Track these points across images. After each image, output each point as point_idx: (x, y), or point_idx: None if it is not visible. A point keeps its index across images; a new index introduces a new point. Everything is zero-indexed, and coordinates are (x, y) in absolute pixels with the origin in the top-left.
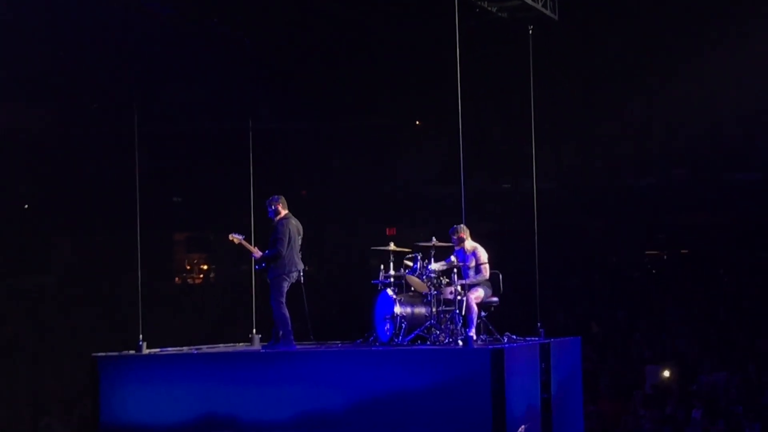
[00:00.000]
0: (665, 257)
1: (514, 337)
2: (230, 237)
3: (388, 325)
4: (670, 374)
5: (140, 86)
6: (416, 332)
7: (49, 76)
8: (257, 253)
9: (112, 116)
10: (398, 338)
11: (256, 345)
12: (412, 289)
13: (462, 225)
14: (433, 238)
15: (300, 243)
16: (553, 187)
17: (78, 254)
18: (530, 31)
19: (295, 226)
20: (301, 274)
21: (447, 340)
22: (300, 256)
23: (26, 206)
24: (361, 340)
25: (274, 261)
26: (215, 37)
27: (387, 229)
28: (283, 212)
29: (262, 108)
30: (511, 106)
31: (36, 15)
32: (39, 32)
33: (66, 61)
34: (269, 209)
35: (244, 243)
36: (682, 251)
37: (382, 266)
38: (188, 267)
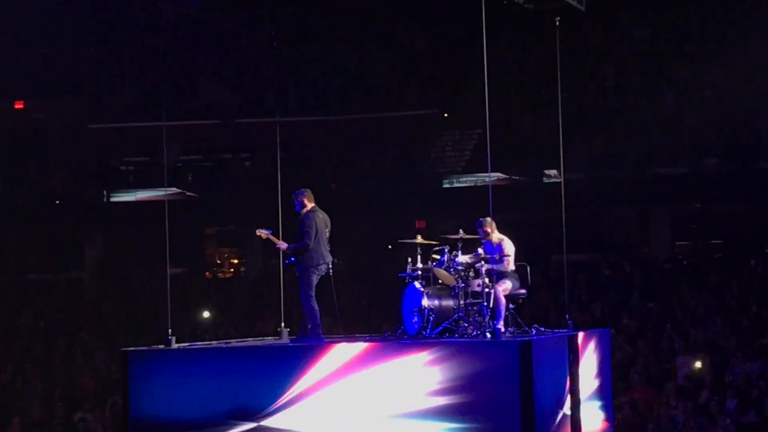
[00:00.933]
0: (697, 247)
1: (543, 329)
2: (258, 232)
3: (416, 318)
4: (703, 365)
5: (169, 81)
6: (444, 325)
7: (81, 71)
8: (284, 246)
9: (143, 111)
10: (426, 331)
11: (285, 339)
12: (440, 281)
13: (488, 218)
14: (460, 231)
15: (328, 236)
16: (583, 177)
17: (110, 250)
18: (557, 23)
19: (322, 219)
20: (330, 267)
21: (475, 333)
22: (328, 249)
23: (57, 202)
24: (389, 332)
25: (301, 254)
26: (243, 30)
27: (416, 222)
28: (310, 205)
29: (290, 101)
30: (540, 96)
31: (67, 11)
32: (70, 29)
33: (97, 57)
34: (295, 203)
35: (272, 238)
36: (714, 241)
37: (409, 259)
38: (219, 261)
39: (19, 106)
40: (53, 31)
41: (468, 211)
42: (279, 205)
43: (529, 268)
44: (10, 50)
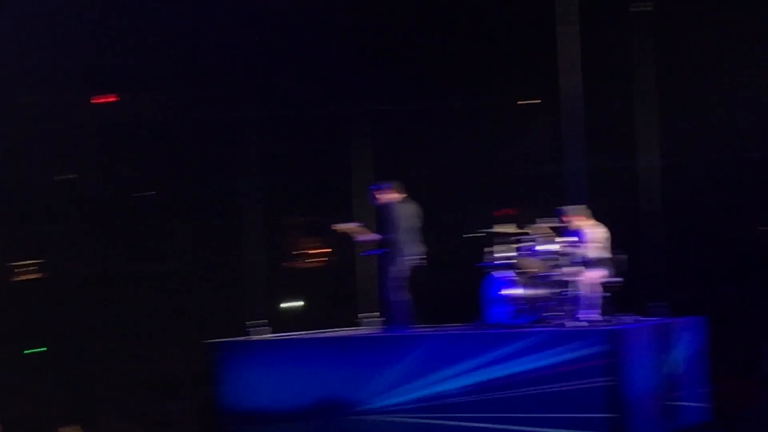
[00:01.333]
0: None
1: (637, 317)
2: (337, 227)
3: (503, 307)
4: None
5: (254, 72)
6: (532, 314)
7: (167, 64)
8: (367, 237)
9: (230, 103)
10: (514, 320)
11: (372, 328)
12: (526, 270)
13: (571, 207)
14: (544, 219)
15: (417, 226)
16: (669, 163)
17: (196, 240)
18: (640, 8)
19: (408, 209)
20: (419, 257)
21: (564, 322)
22: (418, 240)
23: (146, 194)
24: (476, 322)
25: (385, 246)
26: (323, 20)
27: (499, 211)
28: (393, 197)
29: (372, 90)
30: (626, 81)
31: (152, 5)
32: (159, 22)
33: (184, 50)
34: (376, 195)
35: (353, 230)
36: None
37: (495, 248)
38: (305, 251)
39: (104, 100)
40: (140, 25)
41: (554, 199)
42: (361, 196)
43: (624, 256)
44: (98, 43)
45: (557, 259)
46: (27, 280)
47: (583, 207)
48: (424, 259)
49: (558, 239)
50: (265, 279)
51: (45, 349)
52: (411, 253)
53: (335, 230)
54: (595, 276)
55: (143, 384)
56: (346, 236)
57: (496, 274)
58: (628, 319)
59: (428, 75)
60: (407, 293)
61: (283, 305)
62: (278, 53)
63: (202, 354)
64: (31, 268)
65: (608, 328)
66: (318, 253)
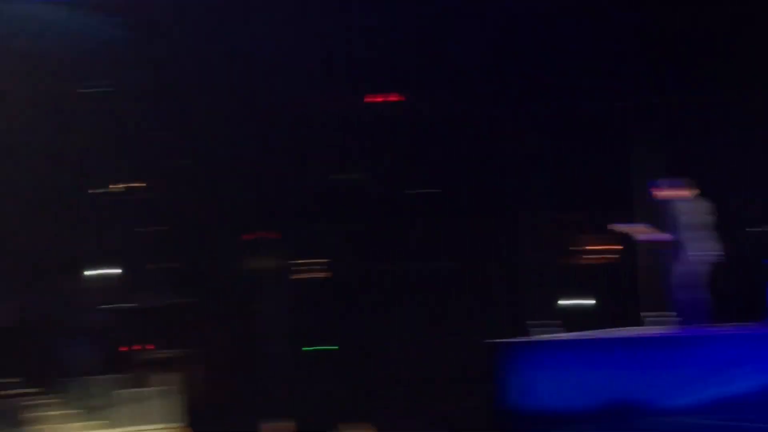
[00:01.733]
0: None
1: None
2: (615, 227)
3: None
4: None
5: (532, 69)
6: None
7: (444, 63)
8: (649, 236)
9: (507, 100)
10: None
11: (659, 327)
12: None
13: None
14: None
15: (706, 223)
16: None
17: (472, 237)
18: None
19: (694, 206)
20: (711, 255)
21: None
22: (708, 237)
23: (425, 191)
24: (766, 320)
25: (667, 244)
26: (603, 15)
27: None
28: (675, 194)
29: (656, 83)
30: None
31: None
32: (436, 22)
33: (460, 48)
34: (655, 192)
35: (631, 230)
36: None
37: None
38: (585, 248)
39: (381, 99)
40: (418, 24)
41: None
42: (639, 193)
43: None
44: (378, 42)
45: None
46: (311, 278)
47: None
48: (720, 256)
49: None
50: (542, 277)
51: (337, 348)
52: (699, 250)
53: (614, 230)
54: None
55: (424, 382)
56: (625, 236)
57: None
58: None
59: (715, 66)
60: (702, 292)
61: (561, 303)
62: (558, 49)
63: (481, 354)
64: (315, 267)
65: None
66: (598, 250)
